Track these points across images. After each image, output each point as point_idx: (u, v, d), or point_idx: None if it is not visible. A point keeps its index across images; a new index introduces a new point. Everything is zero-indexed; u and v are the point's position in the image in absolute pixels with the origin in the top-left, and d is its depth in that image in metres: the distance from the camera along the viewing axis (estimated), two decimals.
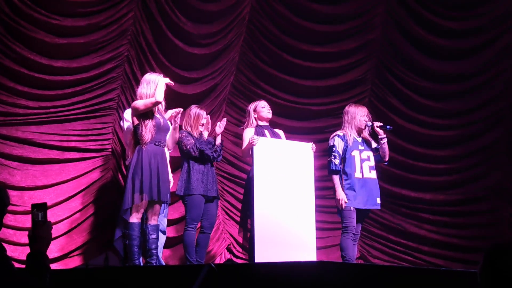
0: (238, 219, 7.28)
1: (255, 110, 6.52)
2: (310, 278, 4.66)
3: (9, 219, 6.38)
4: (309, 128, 8.28)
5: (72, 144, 7.00)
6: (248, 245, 6.32)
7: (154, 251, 5.79)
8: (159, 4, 7.38)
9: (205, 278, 4.56)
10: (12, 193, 6.29)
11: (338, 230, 6.37)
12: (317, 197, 6.38)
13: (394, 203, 8.50)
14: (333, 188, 6.28)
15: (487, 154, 8.58)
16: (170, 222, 7.12)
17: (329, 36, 8.42)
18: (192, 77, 7.75)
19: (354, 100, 8.09)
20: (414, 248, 8.43)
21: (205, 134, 6.24)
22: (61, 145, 6.93)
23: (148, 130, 5.74)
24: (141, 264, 5.91)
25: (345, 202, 6.15)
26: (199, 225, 6.30)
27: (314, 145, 6.40)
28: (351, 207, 6.17)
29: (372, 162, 6.34)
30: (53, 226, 2.98)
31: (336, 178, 6.25)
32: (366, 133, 6.41)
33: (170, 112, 6.09)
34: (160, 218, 6.10)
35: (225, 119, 6.40)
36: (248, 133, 6.37)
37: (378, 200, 6.30)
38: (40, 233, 2.85)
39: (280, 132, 6.63)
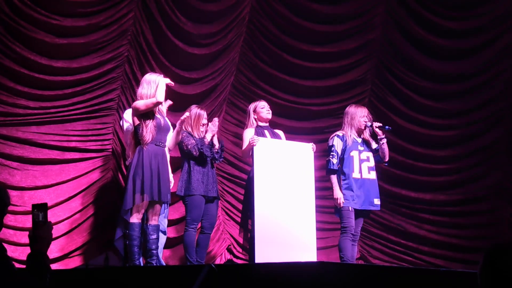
0: (238, 219, 7.29)
1: (254, 111, 6.52)
2: (311, 279, 4.66)
3: (9, 219, 6.38)
4: (309, 128, 8.28)
5: (73, 144, 7.00)
6: (248, 245, 6.33)
7: (154, 251, 5.79)
8: (159, 4, 7.38)
9: (205, 278, 4.56)
10: (12, 193, 6.30)
11: (339, 231, 6.38)
12: (317, 197, 6.39)
13: (394, 203, 8.50)
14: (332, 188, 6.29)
15: (487, 154, 8.58)
16: (170, 223, 7.12)
17: (329, 36, 8.42)
18: (192, 77, 7.75)
19: (354, 100, 8.09)
20: (414, 248, 8.43)
21: (208, 136, 6.21)
22: (61, 145, 6.93)
23: (148, 131, 5.74)
24: (141, 264, 5.92)
25: (343, 202, 6.15)
26: (199, 225, 6.30)
27: (314, 146, 6.41)
28: (349, 207, 6.18)
29: (371, 163, 6.35)
30: (54, 226, 2.98)
31: (334, 178, 6.27)
32: (366, 134, 6.41)
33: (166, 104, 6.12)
34: (161, 219, 6.11)
35: (216, 119, 6.37)
36: (248, 134, 6.37)
37: (376, 201, 6.30)
38: (40, 233, 2.85)
39: (280, 132, 6.63)
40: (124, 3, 7.14)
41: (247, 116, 6.61)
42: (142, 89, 5.85)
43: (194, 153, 6.13)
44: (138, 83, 6.32)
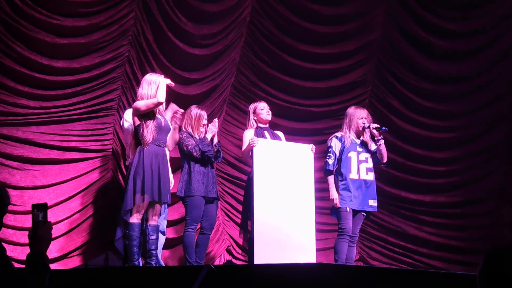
0: (238, 220, 7.29)
1: (254, 112, 6.52)
2: (310, 280, 4.66)
3: (9, 219, 6.38)
4: (309, 129, 8.28)
5: (73, 144, 7.00)
6: (248, 246, 6.32)
7: (153, 252, 5.79)
8: (160, 5, 7.38)
9: (204, 279, 4.56)
10: (12, 193, 6.28)
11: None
12: (317, 198, 6.39)
13: (394, 205, 8.50)
14: None
15: (487, 156, 8.57)
16: (170, 223, 7.12)
17: (330, 37, 8.43)
18: (193, 78, 7.76)
19: (354, 101, 8.11)
20: (414, 250, 8.42)
21: (209, 137, 6.22)
22: (61, 145, 6.93)
23: (149, 131, 5.74)
24: (141, 264, 5.91)
25: (339, 203, 6.17)
26: (198, 226, 6.30)
27: (314, 147, 6.41)
28: (347, 208, 6.19)
29: (370, 164, 6.36)
30: (53, 226, 2.98)
31: (330, 179, 6.29)
32: (366, 136, 6.42)
33: (169, 113, 6.11)
34: (160, 219, 6.10)
35: (216, 120, 6.38)
36: (248, 135, 6.37)
37: (372, 202, 6.31)
38: (40, 233, 2.86)
39: (280, 133, 6.63)
40: (125, 3, 7.15)
41: (247, 117, 6.61)
42: (143, 90, 5.85)
43: (195, 154, 6.13)
44: (138, 83, 6.32)
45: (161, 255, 6.56)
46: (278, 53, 8.19)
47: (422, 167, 8.56)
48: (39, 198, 6.62)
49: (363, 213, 6.34)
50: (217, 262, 7.65)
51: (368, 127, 6.35)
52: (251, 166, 6.25)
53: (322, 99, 8.44)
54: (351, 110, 6.49)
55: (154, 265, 5.80)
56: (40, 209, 2.89)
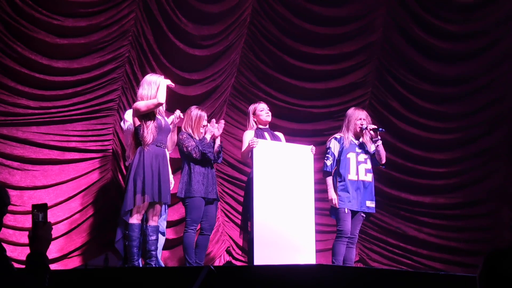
0: (238, 221, 7.29)
1: (254, 114, 6.52)
2: (309, 281, 4.66)
3: (8, 219, 6.38)
4: (309, 130, 8.29)
5: (73, 144, 7.00)
6: (247, 247, 6.32)
7: (153, 252, 5.79)
8: (160, 5, 7.38)
9: (204, 280, 4.56)
10: (12, 193, 6.28)
11: None
12: (316, 199, 6.39)
13: (394, 206, 8.50)
14: None
15: (487, 157, 8.57)
16: (170, 224, 7.11)
17: (330, 38, 8.43)
18: (193, 79, 7.76)
19: (355, 102, 8.11)
20: (413, 251, 8.42)
21: (208, 137, 6.21)
22: (61, 146, 6.93)
23: (149, 131, 5.74)
24: (141, 265, 5.91)
25: (337, 203, 6.18)
26: (198, 227, 6.30)
27: (314, 148, 6.41)
28: (345, 209, 6.20)
29: (369, 165, 6.39)
30: (53, 226, 2.98)
31: (329, 179, 6.31)
32: (366, 137, 6.43)
33: (172, 116, 6.12)
34: (160, 220, 6.10)
35: (223, 121, 6.40)
36: (248, 136, 6.37)
37: (370, 203, 6.32)
38: (40, 233, 2.86)
39: (280, 135, 6.63)
40: (125, 3, 7.14)
41: (247, 118, 6.61)
42: (143, 90, 5.85)
43: (195, 155, 6.13)
44: (138, 83, 6.31)
45: (161, 256, 6.56)
46: (278, 54, 8.19)
47: (422, 169, 8.56)
48: (39, 198, 6.62)
49: (362, 214, 6.35)
50: (217, 263, 7.65)
51: (366, 128, 6.37)
52: (251, 167, 6.25)
53: (322, 100, 8.44)
54: (350, 111, 6.52)
55: (154, 265, 5.80)
56: (40, 210, 2.89)
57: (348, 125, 6.42)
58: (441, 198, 8.56)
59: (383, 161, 6.44)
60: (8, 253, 2.87)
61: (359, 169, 6.32)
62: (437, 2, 8.49)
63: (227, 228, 7.91)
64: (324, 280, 4.71)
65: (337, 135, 6.44)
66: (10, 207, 3.06)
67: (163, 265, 6.58)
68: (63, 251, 6.79)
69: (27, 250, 2.88)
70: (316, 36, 8.33)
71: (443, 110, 8.62)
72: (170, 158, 6.33)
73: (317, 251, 6.37)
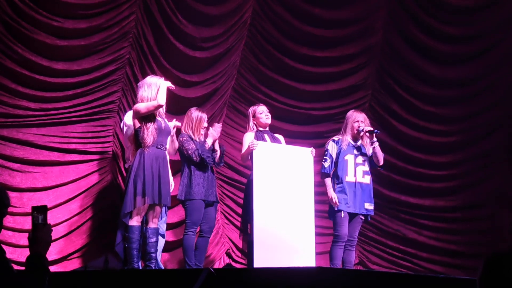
0: (237, 223, 7.28)
1: (254, 116, 6.52)
2: (309, 284, 4.66)
3: (8, 220, 6.38)
4: (309, 132, 8.29)
5: (73, 146, 7.00)
6: (247, 249, 6.32)
7: (153, 255, 5.78)
8: (161, 7, 7.38)
9: (204, 282, 4.56)
10: (11, 195, 6.24)
11: None
12: (316, 202, 6.39)
13: (393, 208, 8.50)
14: None
15: (487, 160, 8.57)
16: (169, 226, 7.11)
17: (330, 40, 8.43)
18: (193, 81, 7.76)
19: (355, 105, 8.12)
20: (413, 254, 8.42)
21: (209, 141, 6.20)
22: (61, 147, 6.93)
23: (150, 133, 5.74)
24: (140, 267, 5.91)
25: (337, 202, 6.19)
26: (198, 229, 6.29)
27: (314, 150, 6.42)
28: (342, 213, 6.23)
29: (367, 167, 6.41)
30: (53, 228, 2.98)
31: (327, 180, 6.34)
32: (366, 139, 6.44)
33: (172, 123, 6.13)
34: (160, 222, 6.10)
35: (219, 124, 6.39)
36: (248, 138, 6.37)
37: (368, 206, 6.34)
38: (40, 235, 2.86)
39: (280, 137, 6.63)
40: (126, 5, 7.14)
41: (247, 120, 6.62)
42: (143, 92, 5.85)
43: (195, 158, 6.12)
44: None
45: (160, 258, 6.56)
46: (278, 56, 8.19)
47: (422, 171, 8.56)
48: (38, 200, 6.62)
49: (361, 216, 6.36)
50: (216, 265, 7.64)
51: (362, 130, 6.39)
52: (251, 169, 6.25)
53: (322, 102, 8.44)
54: (349, 113, 6.59)
55: (153, 268, 5.79)
56: (40, 211, 2.89)
57: (346, 127, 6.46)
58: (441, 200, 8.56)
59: (381, 163, 6.45)
60: (8, 255, 2.87)
61: (357, 171, 6.35)
62: (437, 4, 8.49)
63: (227, 230, 7.91)
64: (324, 283, 4.70)
65: (335, 137, 6.48)
66: (9, 209, 3.06)
67: (162, 267, 6.57)
68: (63, 253, 6.78)
69: (26, 252, 2.88)
70: (317, 38, 8.33)
71: (443, 112, 8.62)
72: (170, 160, 6.33)
73: (317, 253, 6.37)
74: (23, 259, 2.88)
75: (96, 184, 7.09)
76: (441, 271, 8.12)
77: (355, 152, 6.39)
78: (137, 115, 5.79)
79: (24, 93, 6.72)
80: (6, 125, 6.68)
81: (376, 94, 8.56)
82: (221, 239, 7.85)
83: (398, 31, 8.54)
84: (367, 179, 6.39)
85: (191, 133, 6.26)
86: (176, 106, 6.94)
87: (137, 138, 5.81)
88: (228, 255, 7.85)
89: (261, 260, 5.86)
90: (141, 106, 5.77)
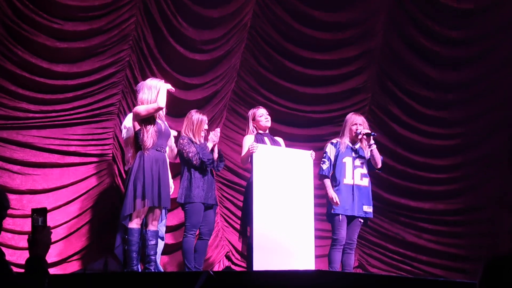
0: (237, 226, 7.28)
1: (254, 119, 6.52)
2: (308, 287, 4.65)
3: (7, 222, 6.37)
4: (309, 135, 8.28)
5: (73, 148, 6.99)
6: (247, 252, 6.32)
7: (152, 257, 5.78)
8: (161, 10, 7.38)
9: (203, 285, 4.55)
10: (11, 197, 6.28)
11: None
12: (316, 205, 6.39)
13: (393, 212, 8.50)
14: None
15: (487, 163, 8.56)
16: (169, 229, 7.10)
17: (331, 43, 8.43)
18: (193, 83, 7.76)
19: (355, 108, 8.11)
20: (413, 257, 8.41)
21: (210, 146, 6.21)
22: (61, 149, 6.93)
23: (149, 136, 5.74)
24: (140, 270, 5.90)
25: (338, 201, 6.20)
26: (197, 232, 6.29)
27: (313, 153, 6.42)
28: (340, 216, 6.24)
29: (365, 170, 6.42)
30: (52, 230, 2.98)
31: (327, 182, 6.35)
32: (365, 142, 6.46)
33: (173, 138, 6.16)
34: (160, 225, 6.10)
35: (218, 129, 6.38)
36: (248, 140, 6.37)
37: (367, 208, 6.36)
38: (39, 237, 2.85)
39: (280, 140, 6.63)
40: (126, 8, 7.14)
41: (247, 123, 6.61)
42: (143, 94, 5.85)
43: (194, 162, 6.11)
44: None
45: (160, 261, 6.55)
46: (278, 59, 8.19)
47: (422, 174, 8.56)
48: (38, 202, 6.62)
49: (360, 219, 6.36)
50: (216, 268, 7.63)
51: (360, 133, 6.41)
52: (251, 172, 6.24)
53: (322, 105, 8.44)
54: (348, 116, 6.62)
55: (153, 270, 5.78)
56: (39, 214, 2.89)
57: (344, 130, 6.49)
58: (441, 204, 8.55)
59: (379, 165, 6.47)
60: (7, 257, 2.87)
61: (355, 174, 6.37)
62: (437, 7, 8.49)
63: (226, 233, 7.90)
64: (323, 286, 4.70)
65: (334, 140, 6.52)
66: (9, 211, 3.06)
67: (162, 270, 6.57)
68: (62, 255, 6.77)
69: (26, 254, 2.88)
70: (317, 41, 8.33)
71: (443, 115, 8.62)
72: (170, 163, 6.32)
73: (316, 256, 6.35)
74: (23, 261, 2.88)
75: (96, 187, 7.08)
76: (441, 275, 8.11)
77: (353, 154, 6.42)
78: (137, 118, 5.79)
79: (24, 95, 6.72)
80: (6, 127, 6.68)
81: (376, 97, 8.57)
82: (221, 242, 7.84)
83: (398, 34, 8.54)
84: (365, 182, 6.41)
85: (191, 136, 6.25)
86: (176, 108, 6.93)
87: (137, 141, 5.81)
88: (228, 258, 7.85)
89: (260, 263, 5.85)
90: (141, 109, 5.77)
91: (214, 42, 7.80)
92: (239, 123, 7.88)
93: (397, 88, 8.56)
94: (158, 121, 5.86)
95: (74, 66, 6.96)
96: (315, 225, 6.31)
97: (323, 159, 6.40)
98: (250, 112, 6.60)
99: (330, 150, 6.42)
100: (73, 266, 6.84)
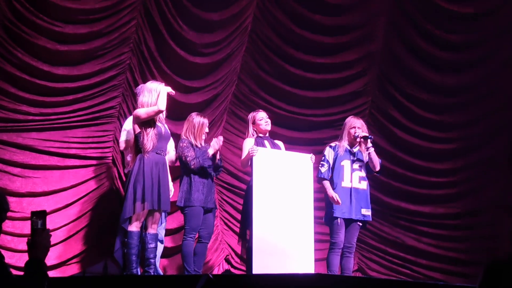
0: (237, 229, 7.27)
1: (254, 123, 6.52)
2: None
3: (7, 225, 6.36)
4: (309, 139, 8.28)
5: (73, 151, 6.99)
6: (246, 255, 6.31)
7: (152, 260, 5.77)
8: (162, 13, 7.38)
9: None
10: (10, 199, 6.24)
11: None
12: (316, 208, 6.39)
13: (393, 215, 8.49)
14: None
15: (487, 167, 8.56)
16: (168, 232, 7.09)
17: (331, 47, 8.43)
18: (194, 86, 7.76)
19: (355, 111, 8.11)
20: (413, 261, 8.40)
21: (210, 152, 6.19)
22: (61, 152, 6.92)
23: (149, 139, 5.74)
24: (139, 273, 5.89)
25: (338, 200, 6.21)
26: (197, 235, 6.28)
27: (313, 156, 6.42)
28: (338, 220, 6.24)
29: (363, 173, 6.44)
30: (52, 233, 2.98)
31: (326, 183, 6.37)
32: (363, 145, 6.47)
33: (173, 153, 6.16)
34: (159, 228, 6.09)
35: (221, 137, 6.38)
36: (248, 144, 6.37)
37: (365, 211, 6.36)
38: (39, 240, 2.85)
39: (280, 143, 6.63)
40: (126, 10, 7.15)
41: (247, 125, 6.62)
42: (143, 97, 5.86)
43: (192, 166, 6.10)
44: None
45: (159, 264, 6.55)
46: (279, 63, 8.20)
47: (422, 178, 8.55)
48: (37, 204, 6.61)
49: (358, 223, 6.37)
50: (215, 271, 7.63)
51: (358, 136, 6.42)
52: (251, 175, 6.24)
53: (322, 108, 8.44)
54: (347, 119, 6.64)
55: (152, 273, 5.78)
56: (39, 216, 2.89)
57: (343, 133, 6.52)
58: (440, 207, 8.54)
59: (377, 168, 6.48)
60: (7, 260, 2.87)
61: (353, 177, 6.38)
62: (437, 11, 8.49)
63: (226, 237, 7.90)
64: None
65: (333, 143, 6.55)
66: (9, 214, 3.06)
67: (161, 273, 6.56)
68: (62, 258, 6.76)
69: (25, 257, 2.88)
70: (317, 44, 8.33)
71: (443, 119, 8.61)
72: (170, 166, 6.32)
73: (316, 260, 6.35)
74: (22, 264, 2.87)
75: (95, 189, 7.08)
76: (440, 279, 8.10)
77: (352, 158, 6.43)
78: (137, 121, 5.79)
79: (24, 97, 6.72)
80: (6, 129, 6.67)
81: (376, 100, 8.56)
82: (220, 245, 7.83)
83: (398, 38, 8.54)
84: (364, 185, 6.42)
85: (192, 139, 6.25)
86: (176, 111, 6.94)
87: (137, 144, 5.81)
88: (227, 261, 7.84)
89: (260, 266, 5.85)
90: (141, 112, 5.78)
91: (215, 45, 7.80)
92: (240, 127, 7.88)
93: (397, 91, 8.56)
94: (158, 124, 5.87)
95: (74, 68, 6.96)
96: (314, 229, 6.31)
97: (321, 162, 6.43)
98: (250, 116, 6.60)
99: (329, 153, 6.45)
100: (72, 269, 6.83)
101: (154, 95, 5.81)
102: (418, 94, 8.58)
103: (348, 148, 6.45)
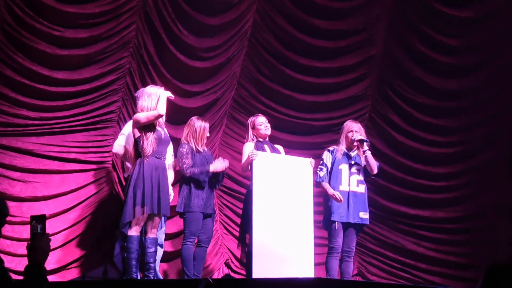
0: (236, 233, 7.27)
1: (253, 128, 6.52)
2: None
3: (6, 229, 6.36)
4: (309, 143, 8.28)
5: (72, 155, 6.99)
6: (246, 260, 6.31)
7: (152, 265, 5.77)
8: (162, 17, 7.39)
9: None
10: (11, 204, 6.28)
11: None
12: (315, 212, 6.39)
13: (393, 219, 8.48)
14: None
15: (487, 171, 8.55)
16: (168, 236, 7.09)
17: (331, 51, 8.43)
18: (193, 91, 7.76)
19: (355, 115, 8.11)
20: (412, 265, 8.39)
21: (211, 169, 6.18)
22: (61, 156, 6.93)
23: (149, 143, 5.74)
24: (139, 277, 5.89)
25: (340, 197, 6.22)
26: (196, 239, 6.28)
27: (313, 161, 6.43)
28: (336, 224, 6.25)
29: (361, 177, 6.45)
30: (51, 237, 2.98)
31: (325, 185, 6.39)
32: (360, 148, 6.49)
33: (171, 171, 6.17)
34: (159, 233, 6.09)
35: (227, 161, 6.36)
36: (248, 148, 6.37)
37: (363, 215, 6.38)
38: (38, 244, 2.85)
39: (280, 147, 6.64)
40: (126, 15, 7.15)
41: (247, 130, 6.62)
42: (143, 102, 5.86)
43: (187, 174, 6.09)
44: None
45: (159, 268, 6.54)
46: (279, 67, 8.20)
47: (422, 182, 8.55)
48: (38, 209, 6.61)
49: (356, 226, 6.37)
50: (215, 276, 7.62)
51: (355, 140, 6.43)
52: (250, 180, 6.24)
53: (322, 113, 8.44)
54: (345, 123, 6.68)
55: (152, 278, 5.77)
56: (38, 221, 2.89)
57: (341, 137, 6.55)
58: (440, 211, 8.54)
59: (375, 171, 6.48)
60: (6, 264, 2.86)
61: (351, 180, 6.40)
62: (438, 15, 8.50)
63: (225, 241, 7.89)
64: None
65: (331, 147, 6.58)
66: (8, 218, 3.06)
67: (161, 278, 6.56)
68: (61, 262, 6.76)
69: (25, 261, 2.87)
70: (317, 49, 8.34)
71: (443, 124, 8.61)
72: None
73: (316, 264, 6.35)
74: (22, 268, 2.88)
75: (95, 194, 7.08)
76: (440, 283, 8.09)
77: (350, 161, 6.45)
78: (137, 125, 5.80)
79: (24, 102, 6.72)
80: (6, 134, 6.68)
81: (376, 105, 8.56)
82: (220, 250, 7.83)
83: (398, 42, 8.54)
84: (362, 188, 6.44)
85: (193, 143, 6.23)
86: (176, 116, 6.94)
87: (136, 148, 5.81)
88: (227, 265, 7.83)
89: (259, 270, 5.84)
90: (141, 116, 5.78)
91: (214, 50, 7.81)
92: (239, 131, 7.88)
93: (397, 96, 8.56)
94: (158, 128, 5.87)
95: (74, 73, 6.97)
96: (314, 233, 6.31)
97: (320, 166, 6.45)
98: (250, 120, 6.60)
99: (327, 157, 6.48)
100: (72, 274, 6.83)
101: (154, 99, 5.82)
102: (418, 98, 8.57)
103: (346, 152, 6.48)
